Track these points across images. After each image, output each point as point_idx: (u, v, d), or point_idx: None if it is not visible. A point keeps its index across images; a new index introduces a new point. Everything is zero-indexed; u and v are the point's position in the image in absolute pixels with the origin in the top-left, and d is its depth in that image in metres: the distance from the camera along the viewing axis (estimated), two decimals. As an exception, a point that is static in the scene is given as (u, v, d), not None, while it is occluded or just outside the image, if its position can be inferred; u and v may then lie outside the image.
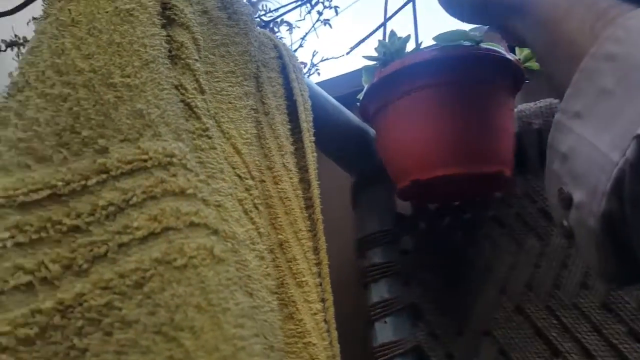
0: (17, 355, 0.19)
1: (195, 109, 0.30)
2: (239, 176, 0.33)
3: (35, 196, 0.22)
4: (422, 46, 0.55)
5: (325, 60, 0.90)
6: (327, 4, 0.98)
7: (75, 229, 0.22)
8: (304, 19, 1.00)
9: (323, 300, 0.41)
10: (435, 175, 0.51)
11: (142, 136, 0.25)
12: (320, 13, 0.98)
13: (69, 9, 0.27)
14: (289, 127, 0.45)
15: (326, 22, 0.98)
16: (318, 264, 0.43)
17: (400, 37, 0.54)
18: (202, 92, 0.32)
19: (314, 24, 0.97)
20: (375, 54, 0.56)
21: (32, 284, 0.20)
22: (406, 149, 0.54)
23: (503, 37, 0.42)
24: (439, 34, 0.48)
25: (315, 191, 0.46)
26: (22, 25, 0.82)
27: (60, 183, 0.23)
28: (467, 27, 0.49)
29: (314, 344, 0.35)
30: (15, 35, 0.82)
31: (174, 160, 0.25)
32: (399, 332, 0.61)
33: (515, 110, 0.58)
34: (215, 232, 0.24)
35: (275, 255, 0.37)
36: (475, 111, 0.49)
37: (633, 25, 0.23)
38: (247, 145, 0.36)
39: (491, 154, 0.51)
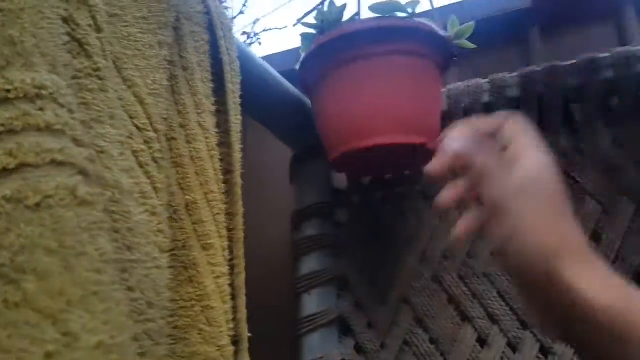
0: None
1: (86, 46, 0.28)
2: (137, 127, 0.31)
3: None
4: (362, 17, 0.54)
5: (268, 30, 0.86)
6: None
7: None
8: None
9: (233, 266, 0.40)
10: (371, 145, 0.50)
11: (10, 65, 0.23)
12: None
13: None
14: (211, 86, 0.43)
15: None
16: (232, 229, 0.41)
17: (339, 7, 0.53)
18: (99, 30, 0.29)
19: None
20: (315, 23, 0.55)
21: None
22: (341, 118, 0.53)
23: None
24: (374, 4, 0.47)
25: (236, 155, 0.44)
26: None
27: None
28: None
29: (213, 307, 0.33)
30: None
31: (44, 92, 0.23)
32: (325, 303, 0.61)
33: (445, 89, 0.58)
34: (83, 172, 0.22)
35: (180, 216, 0.35)
36: (407, 83, 0.49)
37: None
38: (154, 96, 0.34)
39: (422, 125, 0.51)
